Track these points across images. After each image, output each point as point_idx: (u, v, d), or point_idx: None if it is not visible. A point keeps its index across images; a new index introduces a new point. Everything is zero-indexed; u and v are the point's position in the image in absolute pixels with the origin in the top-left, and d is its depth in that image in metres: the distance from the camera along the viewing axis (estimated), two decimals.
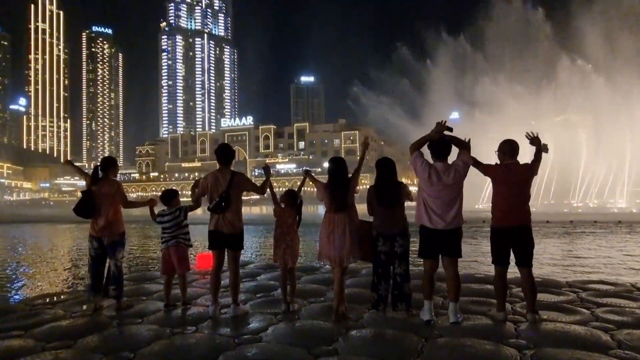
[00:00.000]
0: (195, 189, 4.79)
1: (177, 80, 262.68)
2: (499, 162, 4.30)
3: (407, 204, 4.50)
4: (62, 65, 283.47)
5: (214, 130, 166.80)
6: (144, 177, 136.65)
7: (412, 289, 4.44)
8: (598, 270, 10.02)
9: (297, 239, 4.84)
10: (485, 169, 4.29)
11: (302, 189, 5.10)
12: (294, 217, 4.84)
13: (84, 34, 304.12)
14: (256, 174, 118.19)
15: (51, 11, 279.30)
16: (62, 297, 5.74)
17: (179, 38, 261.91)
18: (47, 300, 5.60)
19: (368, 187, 4.58)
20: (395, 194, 4.37)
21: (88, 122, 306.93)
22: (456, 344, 3.56)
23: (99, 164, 5.09)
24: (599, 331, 3.82)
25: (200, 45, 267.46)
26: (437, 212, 4.06)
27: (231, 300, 4.60)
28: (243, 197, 4.81)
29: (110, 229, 4.82)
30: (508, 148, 4.27)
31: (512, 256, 4.22)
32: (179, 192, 5.35)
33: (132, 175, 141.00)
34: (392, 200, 4.35)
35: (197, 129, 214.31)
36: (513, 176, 4.16)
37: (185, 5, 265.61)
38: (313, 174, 4.85)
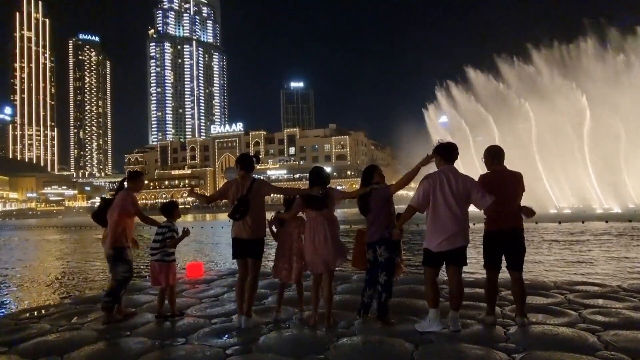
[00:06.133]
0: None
1: (166, 88, 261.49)
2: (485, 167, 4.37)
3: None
4: (48, 74, 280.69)
5: (203, 137, 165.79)
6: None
7: (410, 294, 4.42)
8: (584, 271, 10.14)
9: (298, 250, 4.63)
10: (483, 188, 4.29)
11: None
12: (296, 223, 4.67)
13: (70, 41, 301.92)
14: None
15: (37, 19, 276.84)
16: (49, 310, 5.63)
17: (167, 45, 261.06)
18: (35, 313, 5.51)
19: None
20: (375, 201, 4.32)
21: (76, 130, 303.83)
22: (447, 349, 3.58)
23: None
24: (587, 333, 3.87)
25: (188, 52, 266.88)
26: (446, 232, 3.95)
27: (244, 310, 4.47)
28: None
29: (108, 241, 4.77)
30: (494, 154, 4.33)
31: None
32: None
33: None
34: (370, 208, 4.34)
35: (187, 136, 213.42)
36: (501, 181, 4.20)
37: (173, 13, 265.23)
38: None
